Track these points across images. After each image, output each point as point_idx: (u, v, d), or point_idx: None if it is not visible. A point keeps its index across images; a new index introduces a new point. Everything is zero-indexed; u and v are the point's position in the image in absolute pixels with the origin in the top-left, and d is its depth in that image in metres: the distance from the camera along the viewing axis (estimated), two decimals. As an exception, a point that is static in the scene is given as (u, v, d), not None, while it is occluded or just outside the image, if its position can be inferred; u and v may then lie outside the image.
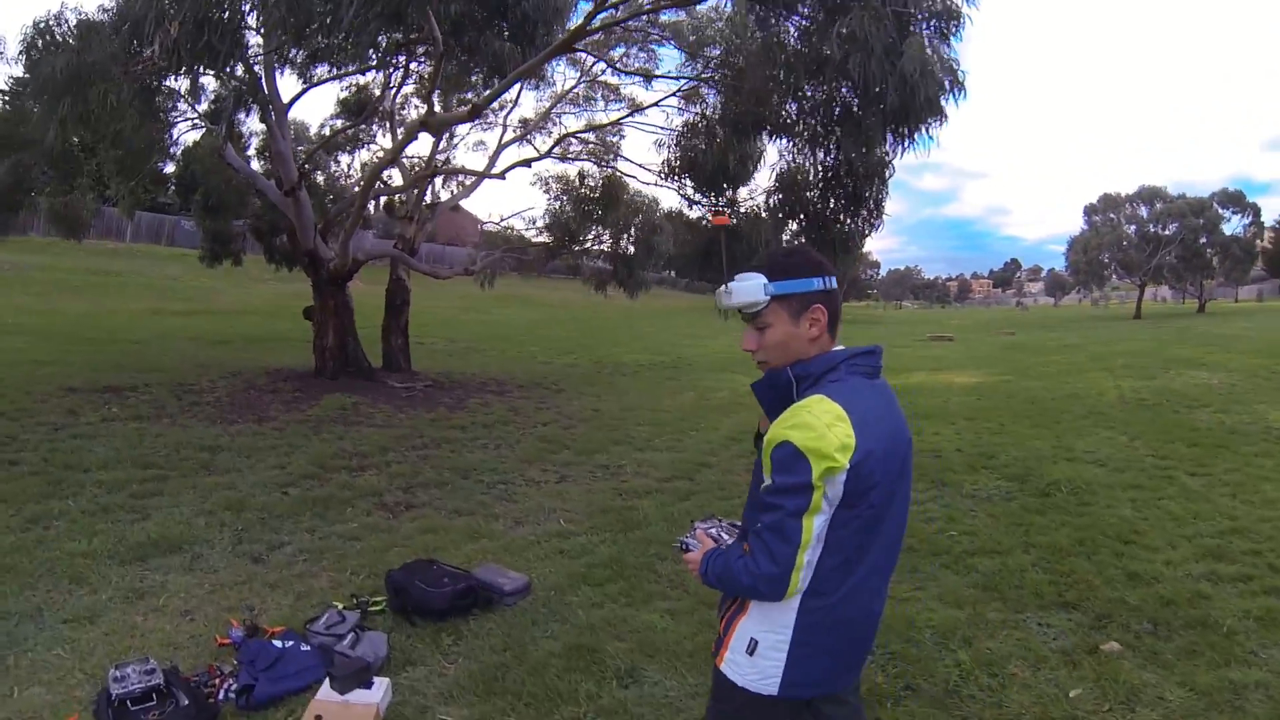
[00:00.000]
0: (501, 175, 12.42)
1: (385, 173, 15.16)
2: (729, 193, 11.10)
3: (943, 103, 6.42)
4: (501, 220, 14.93)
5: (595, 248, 14.85)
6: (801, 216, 7.79)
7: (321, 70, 12.13)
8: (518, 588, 4.26)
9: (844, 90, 6.53)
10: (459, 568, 4.40)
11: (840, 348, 1.89)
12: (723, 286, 1.91)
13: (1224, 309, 53.30)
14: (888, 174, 7.25)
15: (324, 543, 5.06)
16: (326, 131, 16.28)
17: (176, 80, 11.36)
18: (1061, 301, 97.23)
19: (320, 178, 16.60)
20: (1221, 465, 7.64)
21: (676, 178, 11.19)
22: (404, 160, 14.45)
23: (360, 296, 12.30)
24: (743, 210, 11.31)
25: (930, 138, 6.62)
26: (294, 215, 11.17)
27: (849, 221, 7.50)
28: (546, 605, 4.27)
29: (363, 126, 15.28)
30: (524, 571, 4.62)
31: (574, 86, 14.81)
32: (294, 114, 13.28)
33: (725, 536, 2.04)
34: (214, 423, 8.57)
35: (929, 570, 4.91)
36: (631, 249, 14.90)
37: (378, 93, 13.44)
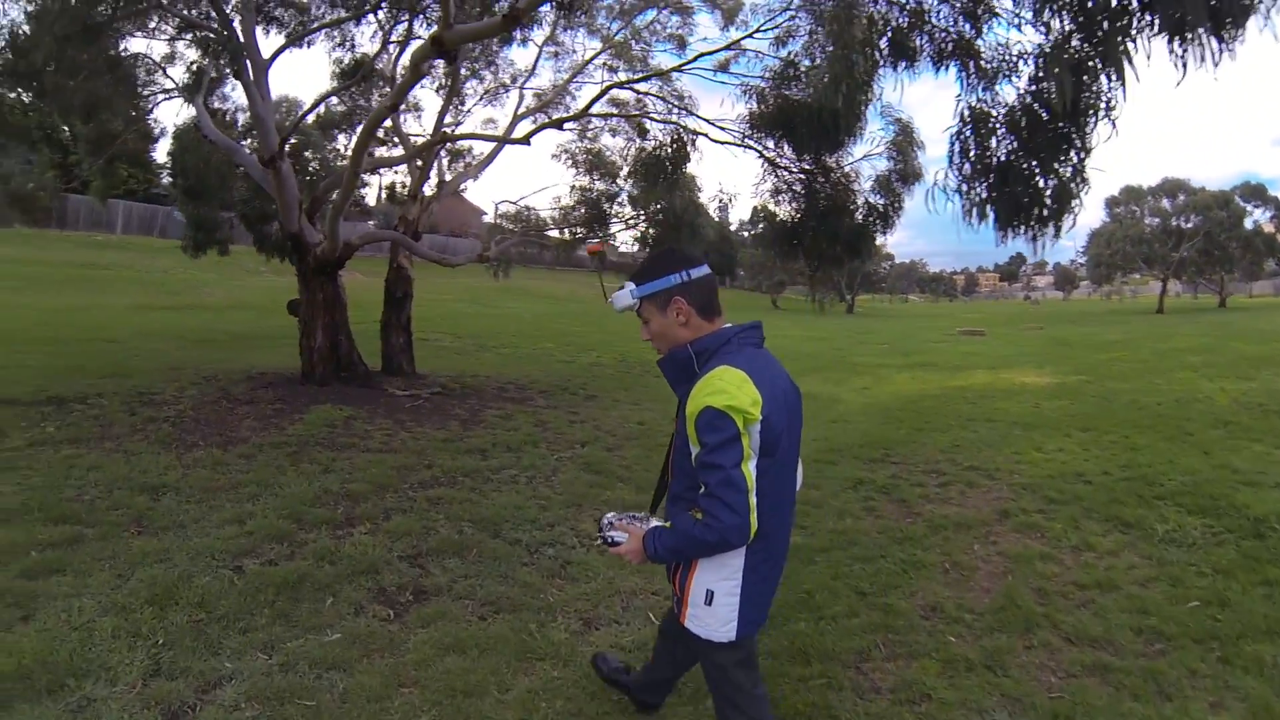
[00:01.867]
0: (526, 140, 10.32)
1: (384, 150, 13.26)
2: (829, 157, 8.99)
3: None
4: (520, 200, 12.88)
5: (627, 230, 12.85)
6: (992, 171, 5.41)
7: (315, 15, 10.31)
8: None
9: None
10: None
11: (728, 325, 2.21)
12: (614, 297, 2.24)
13: (1244, 304, 51.90)
14: (1115, 107, 4.91)
15: (287, 679, 3.07)
16: (321, 110, 14.45)
17: (145, 39, 10.15)
18: (1071, 295, 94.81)
19: (315, 160, 14.84)
20: None
21: (765, 134, 8.96)
22: (407, 136, 12.50)
23: (357, 289, 10.32)
24: (840, 174, 9.22)
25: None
26: (275, 191, 9.24)
27: (1043, 179, 5.21)
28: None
29: (360, 102, 13.32)
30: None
31: (595, 56, 12.83)
32: (285, 89, 11.49)
33: (639, 524, 2.23)
34: (167, 448, 6.61)
35: (1207, 669, 3.39)
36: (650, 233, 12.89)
37: (374, 52, 11.48)
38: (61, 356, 11.38)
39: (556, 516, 5.25)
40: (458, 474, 6.27)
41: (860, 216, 9.39)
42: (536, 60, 13.05)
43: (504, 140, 11.35)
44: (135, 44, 10.15)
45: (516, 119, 12.43)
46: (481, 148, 12.88)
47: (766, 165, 9.66)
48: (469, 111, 13.98)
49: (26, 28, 8.24)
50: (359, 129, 12.45)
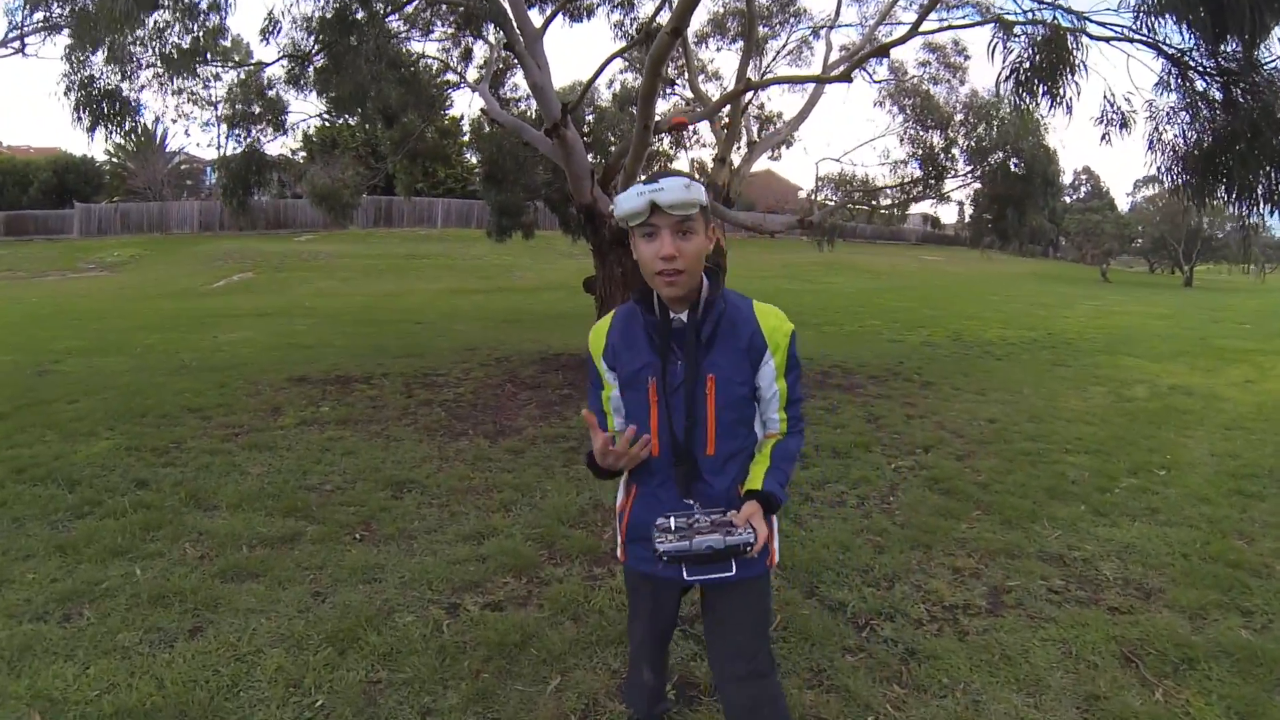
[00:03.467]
0: (846, 77, 8.88)
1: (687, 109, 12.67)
2: (1237, 47, 6.43)
3: None
4: (843, 156, 11.59)
5: (963, 187, 11.09)
6: None
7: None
8: None
9: None
10: None
11: None
12: (676, 181, 1.78)
13: None
14: None
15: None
16: (617, 88, 14.41)
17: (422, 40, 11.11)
18: None
19: (613, 136, 14.92)
20: None
21: (1174, 16, 6.55)
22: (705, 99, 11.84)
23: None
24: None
25: None
26: (563, 161, 8.80)
27: None
28: None
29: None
30: None
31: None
32: (575, 74, 11.52)
33: (706, 515, 1.87)
34: (433, 435, 6.16)
35: None
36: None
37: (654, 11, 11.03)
38: (368, 337, 11.97)
39: (897, 565, 3.77)
40: (763, 493, 5.06)
41: None
42: (839, 4, 12.18)
43: (819, 79, 10.08)
44: (414, 46, 10.71)
45: (827, 69, 11.19)
46: (792, 107, 11.85)
47: (1169, 67, 7.15)
48: (769, 70, 13.13)
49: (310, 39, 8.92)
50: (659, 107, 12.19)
